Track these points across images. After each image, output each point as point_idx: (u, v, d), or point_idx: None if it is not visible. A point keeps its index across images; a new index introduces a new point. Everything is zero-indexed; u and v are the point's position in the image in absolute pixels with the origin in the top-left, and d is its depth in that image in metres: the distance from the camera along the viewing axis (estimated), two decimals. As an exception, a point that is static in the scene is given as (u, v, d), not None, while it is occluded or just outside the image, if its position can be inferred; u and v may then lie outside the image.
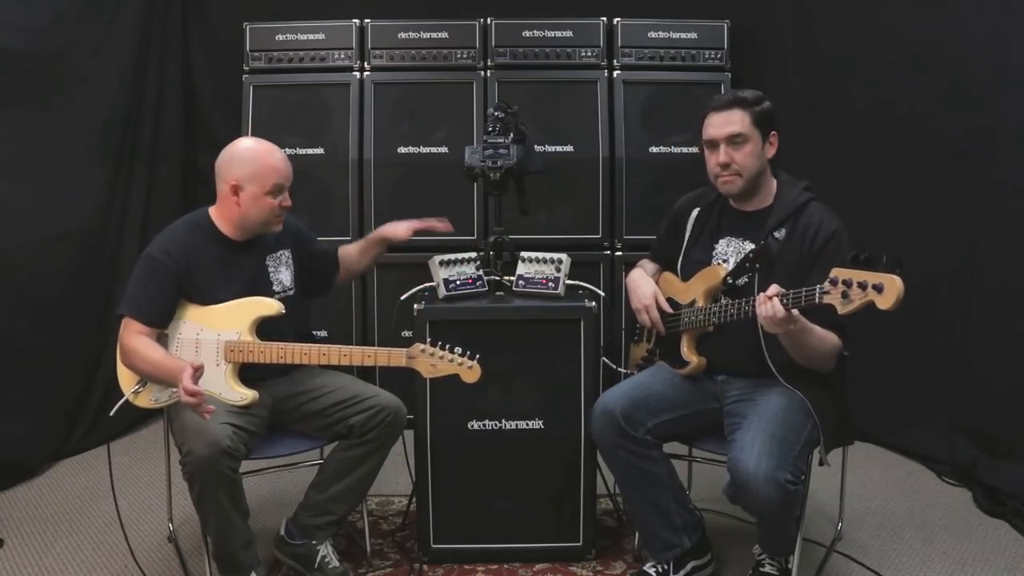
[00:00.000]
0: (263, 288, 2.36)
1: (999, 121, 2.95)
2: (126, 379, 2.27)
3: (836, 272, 1.87)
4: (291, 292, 2.43)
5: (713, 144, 2.26)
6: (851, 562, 2.52)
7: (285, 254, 2.44)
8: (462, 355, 2.19)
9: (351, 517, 2.58)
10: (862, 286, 1.82)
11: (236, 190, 2.27)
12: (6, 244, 3.13)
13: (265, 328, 2.28)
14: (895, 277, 1.79)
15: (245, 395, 2.23)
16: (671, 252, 2.45)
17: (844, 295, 1.85)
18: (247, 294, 2.30)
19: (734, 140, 2.23)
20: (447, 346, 2.20)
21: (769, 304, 1.96)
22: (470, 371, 2.18)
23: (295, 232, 2.49)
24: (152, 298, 2.22)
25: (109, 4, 3.57)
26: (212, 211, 2.35)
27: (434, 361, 2.20)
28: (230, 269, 2.30)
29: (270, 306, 2.28)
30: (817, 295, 1.90)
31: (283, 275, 2.42)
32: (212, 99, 4.06)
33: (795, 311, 1.96)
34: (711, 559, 2.40)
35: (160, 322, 2.24)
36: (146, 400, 2.25)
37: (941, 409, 3.24)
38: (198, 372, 2.05)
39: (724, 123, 2.23)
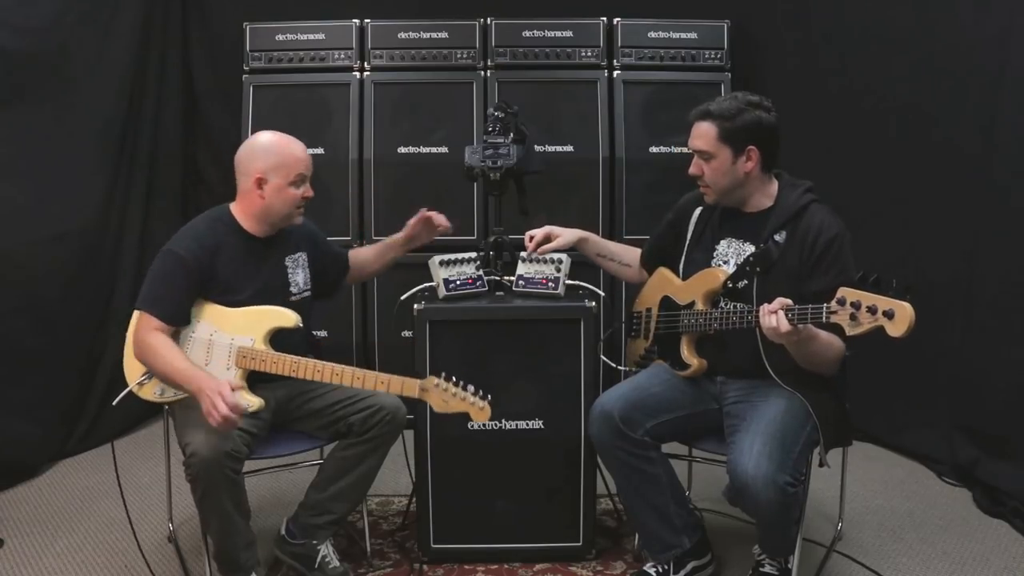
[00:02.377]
0: (280, 288, 2.36)
1: (999, 122, 2.94)
2: (132, 370, 2.26)
3: (843, 292, 1.87)
4: (306, 294, 2.44)
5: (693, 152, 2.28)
6: (851, 562, 2.52)
7: (302, 256, 2.45)
8: (474, 394, 2.16)
9: (351, 517, 2.58)
10: (871, 310, 1.82)
11: (260, 183, 2.28)
12: (6, 244, 3.13)
13: (277, 335, 2.27)
14: (906, 304, 1.79)
15: (252, 402, 2.20)
16: (670, 249, 2.45)
17: (852, 317, 1.85)
18: (264, 292, 2.30)
19: (701, 154, 2.24)
20: (460, 382, 2.17)
21: (773, 317, 1.95)
22: (481, 412, 2.16)
23: (310, 234, 2.50)
24: (172, 295, 2.21)
25: (109, 4, 3.57)
26: (233, 207, 2.35)
27: (447, 397, 2.16)
28: (250, 265, 2.31)
29: (288, 318, 2.26)
30: (824, 314, 1.89)
31: (299, 277, 2.43)
32: (212, 99, 4.05)
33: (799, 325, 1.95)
34: (711, 559, 2.40)
35: (178, 319, 2.22)
36: (150, 392, 2.25)
37: (941, 409, 3.24)
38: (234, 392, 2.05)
39: (694, 136, 2.25)
